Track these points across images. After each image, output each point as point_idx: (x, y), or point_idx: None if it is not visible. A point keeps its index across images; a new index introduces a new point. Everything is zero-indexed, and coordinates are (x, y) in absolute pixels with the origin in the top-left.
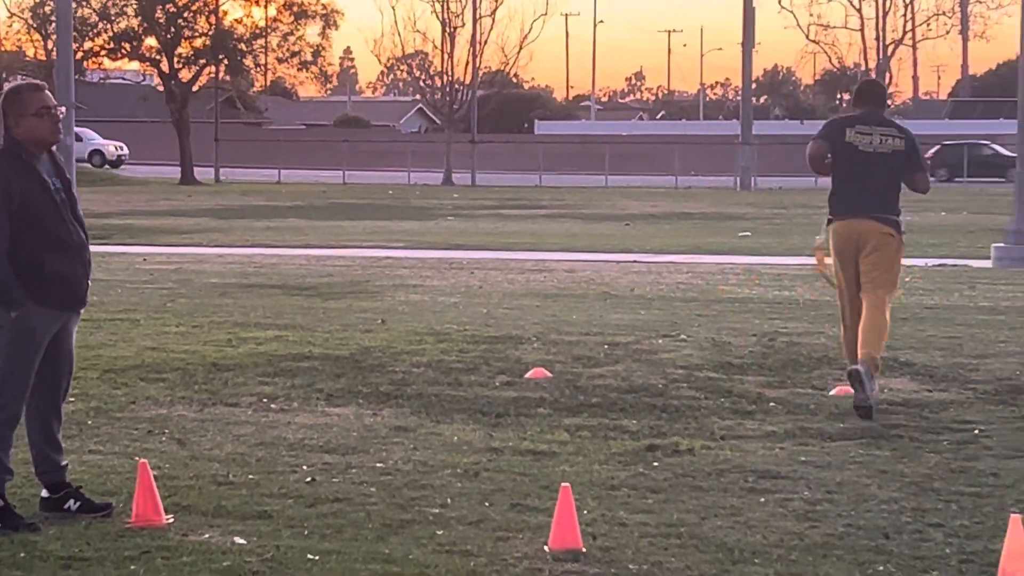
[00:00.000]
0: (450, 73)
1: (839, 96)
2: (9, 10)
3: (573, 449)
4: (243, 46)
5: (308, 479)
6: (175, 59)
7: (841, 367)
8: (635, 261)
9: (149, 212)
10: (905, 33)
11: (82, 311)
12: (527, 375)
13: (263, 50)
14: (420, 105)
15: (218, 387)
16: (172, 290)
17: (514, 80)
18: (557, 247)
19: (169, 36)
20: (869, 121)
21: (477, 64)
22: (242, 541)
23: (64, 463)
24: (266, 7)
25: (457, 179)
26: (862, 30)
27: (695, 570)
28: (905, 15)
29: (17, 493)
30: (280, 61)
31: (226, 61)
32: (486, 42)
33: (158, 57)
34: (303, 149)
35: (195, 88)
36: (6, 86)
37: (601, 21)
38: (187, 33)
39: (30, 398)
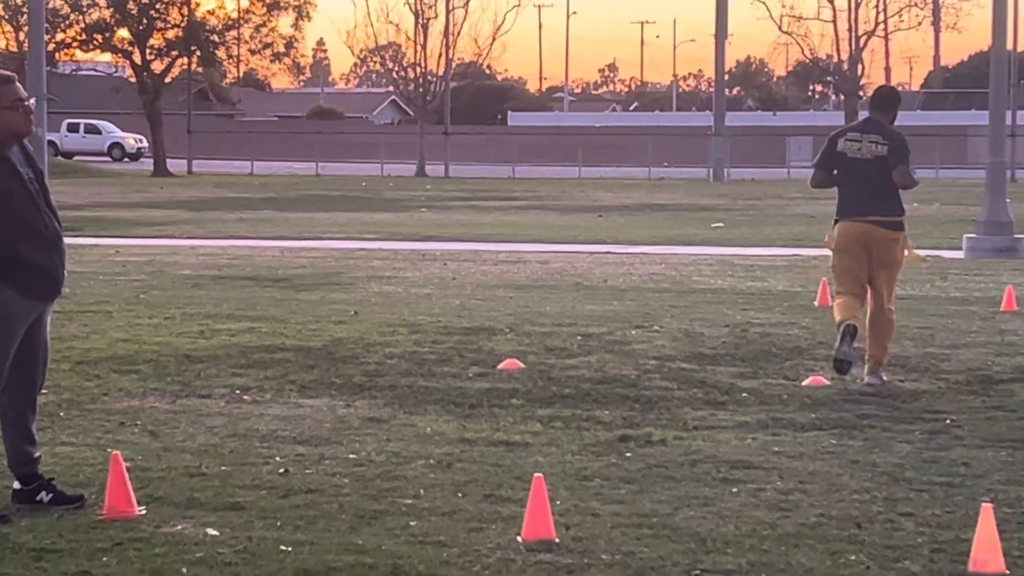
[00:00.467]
0: (423, 65)
1: (812, 88)
2: None
3: (546, 440)
4: (215, 37)
5: (281, 470)
6: (147, 51)
7: (813, 358)
8: (608, 252)
9: (122, 204)
10: (877, 24)
11: (55, 300)
12: (500, 366)
13: (236, 41)
14: (393, 97)
15: (191, 379)
16: (145, 282)
17: (487, 72)
18: (530, 238)
19: (141, 27)
20: (861, 129)
21: (450, 56)
22: (215, 532)
23: (37, 455)
24: None
25: (430, 171)
26: (835, 21)
27: (667, 560)
28: (877, 6)
29: None
30: (253, 53)
31: (198, 53)
32: (459, 33)
33: (130, 49)
34: (276, 141)
35: (167, 80)
36: None
37: (574, 12)
38: (159, 24)
39: (5, 390)
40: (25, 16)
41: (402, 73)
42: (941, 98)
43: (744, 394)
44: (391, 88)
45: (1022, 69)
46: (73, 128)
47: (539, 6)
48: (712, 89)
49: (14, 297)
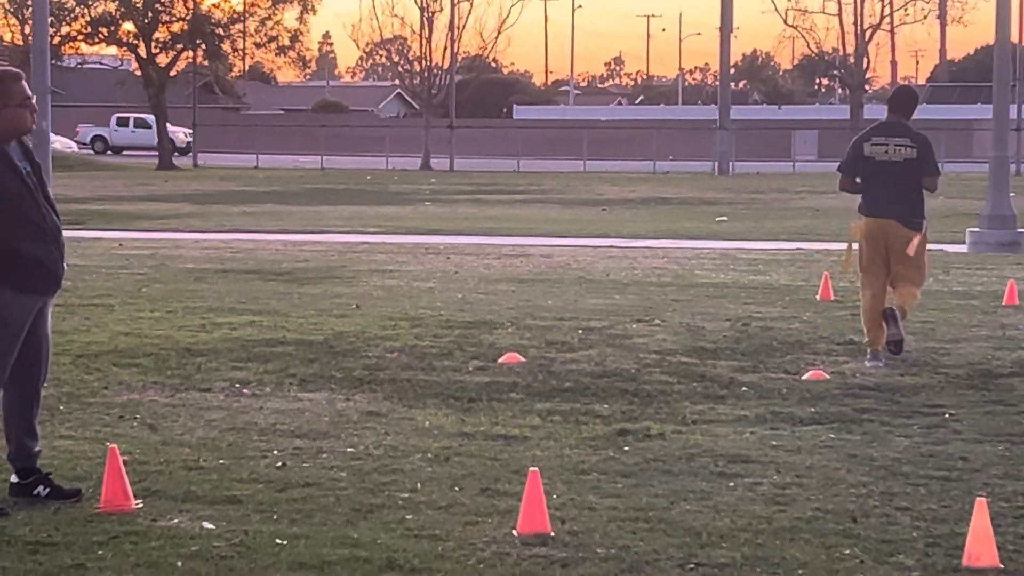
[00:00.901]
0: (428, 58)
1: (818, 82)
2: None
3: (544, 434)
4: (221, 31)
5: (278, 464)
6: (152, 44)
7: (814, 352)
8: (611, 246)
9: (126, 197)
10: (883, 18)
11: (55, 294)
12: (500, 360)
13: (241, 35)
14: (399, 90)
15: (191, 372)
16: (147, 275)
17: (493, 65)
18: (534, 232)
19: (146, 21)
20: (886, 132)
21: (455, 49)
22: (211, 526)
23: (37, 449)
24: None
25: (435, 164)
26: (840, 15)
27: (662, 554)
28: (883, 0)
29: None
30: (258, 46)
31: (203, 46)
32: (464, 27)
33: (135, 42)
34: (281, 134)
35: (173, 73)
36: None
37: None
38: (164, 18)
39: (9, 385)
40: (30, 9)
41: (407, 67)
42: (947, 92)
43: (744, 388)
44: (396, 82)
45: None
46: (123, 123)
47: (545, 0)
48: (718, 83)
49: (14, 294)
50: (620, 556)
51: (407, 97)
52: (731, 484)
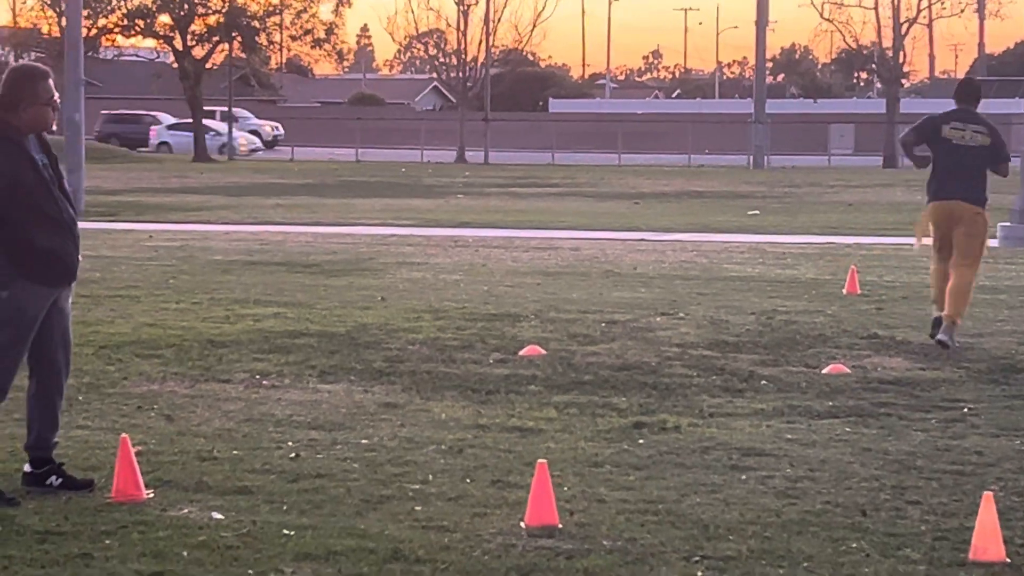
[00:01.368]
0: (464, 51)
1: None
2: None
3: (560, 426)
4: (256, 23)
5: (292, 455)
6: (188, 36)
7: (836, 346)
8: (641, 239)
9: (159, 189)
10: (920, 11)
11: (73, 285)
12: (521, 352)
13: (277, 28)
14: (435, 83)
15: (212, 363)
16: (175, 267)
17: (530, 58)
18: (564, 225)
19: (182, 13)
20: (963, 119)
21: (490, 42)
22: (219, 516)
23: (55, 440)
24: None
25: (470, 157)
26: (876, 8)
27: (668, 546)
28: None
29: (0, 469)
30: (293, 39)
31: (239, 38)
32: (499, 20)
33: (171, 34)
34: (316, 127)
35: (209, 66)
36: (15, 64)
37: None
38: (200, 10)
39: (31, 376)
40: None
41: (445, 60)
42: (985, 86)
43: (763, 381)
44: (434, 75)
45: None
46: (208, 116)
47: None
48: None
49: (28, 285)
50: (626, 548)
51: (443, 90)
52: (743, 477)
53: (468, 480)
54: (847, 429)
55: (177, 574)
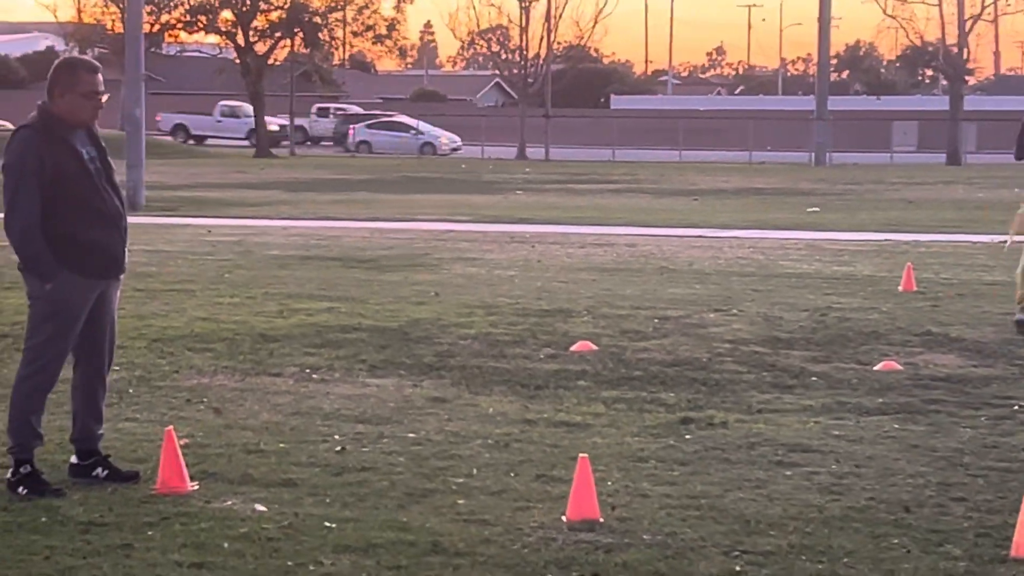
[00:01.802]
0: (526, 48)
1: (920, 72)
2: None
3: (607, 421)
4: (318, 19)
5: (338, 448)
6: (250, 32)
7: (889, 343)
8: (699, 236)
9: (220, 184)
10: (984, 8)
11: (122, 278)
12: (572, 348)
13: (339, 23)
14: (497, 79)
15: (263, 357)
16: (231, 261)
17: (593, 54)
18: (622, 222)
19: (244, 9)
20: None
21: (551, 39)
22: (263, 508)
23: (100, 432)
24: None
25: (531, 153)
26: (940, 5)
27: (708, 541)
28: None
29: (48, 459)
30: (355, 35)
31: (301, 34)
32: (560, 16)
33: (233, 30)
34: None
35: (271, 61)
36: (62, 56)
37: None
38: (262, 6)
39: (76, 368)
40: None
41: (506, 56)
42: None
43: (813, 378)
44: (495, 71)
45: None
46: (323, 113)
47: None
48: None
49: (72, 277)
50: (666, 543)
51: (505, 87)
52: (788, 473)
53: (512, 474)
54: (895, 426)
55: (217, 565)
